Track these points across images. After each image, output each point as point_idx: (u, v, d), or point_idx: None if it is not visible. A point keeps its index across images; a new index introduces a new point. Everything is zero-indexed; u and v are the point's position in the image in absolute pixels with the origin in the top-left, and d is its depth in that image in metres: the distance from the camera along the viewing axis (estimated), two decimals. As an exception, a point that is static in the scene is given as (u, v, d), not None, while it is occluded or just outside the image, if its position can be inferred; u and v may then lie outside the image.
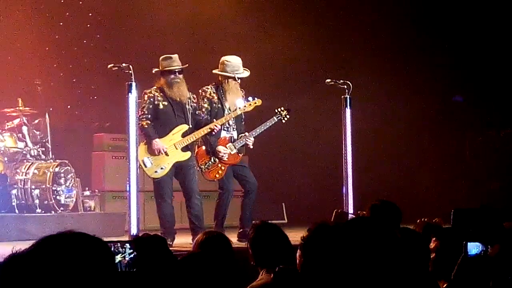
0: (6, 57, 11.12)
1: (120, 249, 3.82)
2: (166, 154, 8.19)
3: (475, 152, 13.62)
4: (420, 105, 13.36)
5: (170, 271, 3.25)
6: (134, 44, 11.81)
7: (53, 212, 9.58)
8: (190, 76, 8.56)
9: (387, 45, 13.20)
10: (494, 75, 13.19)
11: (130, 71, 7.42)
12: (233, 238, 8.37)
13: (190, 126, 8.35)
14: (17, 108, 9.91)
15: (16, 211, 9.43)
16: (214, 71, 8.64)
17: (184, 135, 8.32)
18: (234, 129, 8.65)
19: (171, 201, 8.32)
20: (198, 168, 8.47)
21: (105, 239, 2.54)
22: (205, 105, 8.53)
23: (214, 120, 8.42)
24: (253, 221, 5.13)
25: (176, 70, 8.31)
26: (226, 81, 8.56)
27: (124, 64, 7.48)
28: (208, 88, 8.58)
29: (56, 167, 9.68)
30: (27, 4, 11.44)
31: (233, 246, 4.24)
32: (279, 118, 8.74)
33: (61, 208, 9.66)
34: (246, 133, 8.65)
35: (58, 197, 9.65)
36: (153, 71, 8.40)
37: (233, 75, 8.54)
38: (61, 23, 11.86)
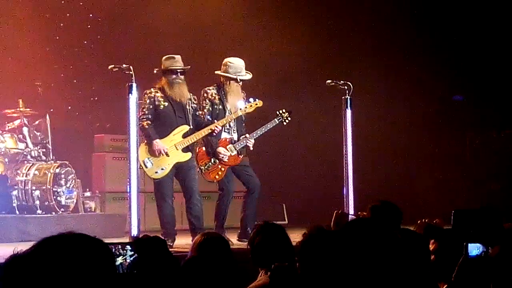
0: (7, 58, 11.13)
1: (122, 251, 3.83)
2: (167, 154, 8.19)
3: (475, 153, 13.61)
4: (421, 105, 13.36)
5: (171, 275, 3.26)
6: (135, 45, 11.82)
7: (53, 213, 9.58)
8: (190, 77, 8.56)
9: (387, 46, 13.20)
10: (494, 75, 13.19)
11: (131, 72, 7.42)
12: (234, 239, 8.39)
13: (191, 127, 8.35)
14: (18, 109, 9.91)
15: (17, 212, 9.43)
16: (216, 72, 8.64)
17: (184, 135, 8.32)
18: (235, 131, 8.65)
19: (172, 202, 8.31)
20: (198, 169, 8.47)
21: (106, 240, 2.54)
22: (207, 106, 8.53)
23: (215, 121, 8.42)
24: (256, 222, 5.14)
25: (178, 70, 8.31)
26: (228, 82, 8.56)
27: (124, 65, 7.48)
28: (210, 89, 8.58)
29: (57, 168, 9.69)
30: (27, 5, 11.44)
31: (233, 247, 4.24)
32: (280, 120, 8.75)
33: (62, 209, 9.66)
34: (247, 135, 8.66)
35: (58, 198, 9.65)
36: (155, 71, 8.41)
37: (235, 77, 8.54)
38: (61, 24, 11.87)
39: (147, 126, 8.17)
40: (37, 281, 2.28)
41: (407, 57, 13.24)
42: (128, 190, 7.41)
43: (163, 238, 4.57)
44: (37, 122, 10.21)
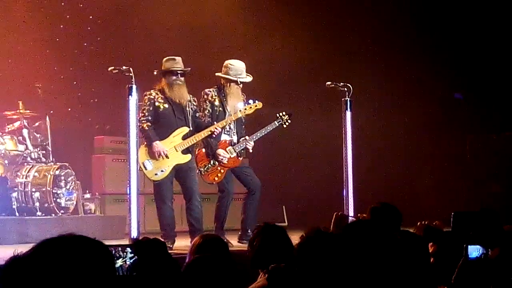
0: (7, 59, 11.13)
1: (121, 253, 3.82)
2: (167, 156, 8.19)
3: (475, 155, 13.60)
4: (421, 107, 13.35)
5: (171, 277, 3.26)
6: (135, 47, 11.82)
7: (53, 215, 9.57)
8: (189, 79, 8.56)
9: (387, 47, 13.20)
10: (494, 77, 13.19)
11: (131, 74, 7.42)
12: (234, 240, 8.39)
13: (191, 128, 8.35)
14: (18, 111, 9.91)
15: (17, 214, 9.43)
16: (217, 74, 8.65)
17: (184, 137, 8.32)
18: (235, 133, 8.66)
19: (172, 204, 8.31)
20: (197, 171, 8.47)
21: (106, 242, 2.54)
22: (207, 108, 8.54)
23: (215, 123, 8.43)
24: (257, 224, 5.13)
25: (178, 71, 8.31)
26: (229, 84, 8.57)
27: (124, 67, 7.48)
28: (210, 91, 8.59)
29: (57, 170, 9.68)
30: (27, 6, 11.44)
31: (233, 249, 4.24)
32: (280, 122, 8.75)
33: (62, 211, 9.66)
34: (247, 137, 8.66)
35: (58, 200, 9.64)
36: (154, 73, 8.41)
37: (235, 79, 8.55)
38: (61, 26, 11.87)
39: (147, 128, 8.17)
40: (37, 283, 2.28)
41: (407, 59, 13.24)
42: (128, 192, 7.41)
43: (162, 240, 4.57)
44: (37, 124, 10.21)
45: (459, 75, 13.43)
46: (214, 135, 8.38)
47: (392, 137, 13.05)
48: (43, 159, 10.00)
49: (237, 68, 8.58)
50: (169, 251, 4.34)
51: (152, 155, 8.17)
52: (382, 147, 13.05)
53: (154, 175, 8.22)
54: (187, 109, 8.36)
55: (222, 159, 8.49)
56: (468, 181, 13.32)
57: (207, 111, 8.53)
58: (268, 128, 8.70)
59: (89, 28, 12.08)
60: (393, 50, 13.20)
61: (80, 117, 12.07)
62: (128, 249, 3.86)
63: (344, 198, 8.66)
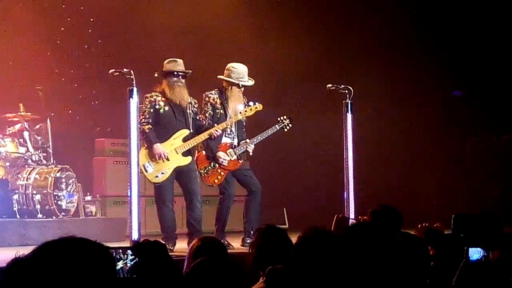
0: (8, 62, 11.13)
1: (122, 256, 3.82)
2: (167, 159, 8.19)
3: (475, 157, 13.61)
4: (421, 110, 13.36)
5: (172, 279, 3.26)
6: (136, 49, 11.83)
7: (54, 217, 9.57)
8: (190, 81, 8.56)
9: (388, 49, 13.21)
10: (495, 79, 13.20)
11: (132, 76, 7.42)
12: (235, 243, 8.39)
13: (191, 130, 8.36)
14: (19, 113, 9.91)
15: (17, 216, 9.43)
16: (219, 77, 8.65)
17: (185, 139, 8.32)
18: (236, 136, 8.66)
19: (172, 206, 8.32)
20: (197, 173, 8.47)
21: (107, 245, 2.54)
22: (208, 110, 8.54)
23: (216, 125, 8.43)
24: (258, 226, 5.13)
25: (180, 73, 8.32)
26: (230, 87, 8.57)
27: (125, 69, 7.47)
28: (211, 94, 8.59)
29: (58, 172, 9.69)
30: (28, 9, 11.45)
31: (234, 251, 4.24)
32: (281, 126, 8.76)
33: (62, 213, 9.66)
34: (247, 140, 8.67)
35: (59, 202, 9.65)
36: (155, 75, 8.42)
37: (237, 82, 8.55)
38: (62, 28, 11.88)
39: (147, 130, 8.18)
40: (39, 285, 2.29)
41: (407, 60, 13.24)
42: (129, 194, 7.41)
43: (163, 242, 4.57)
44: (38, 126, 10.21)
45: (460, 77, 13.44)
46: (213, 137, 8.38)
47: (392, 140, 13.06)
48: (44, 162, 10.00)
49: (239, 71, 8.58)
50: (170, 253, 4.34)
51: (153, 157, 8.18)
52: (382, 149, 13.06)
53: (155, 178, 8.23)
54: (188, 111, 8.36)
55: (222, 161, 8.50)
56: (468, 183, 13.33)
57: (208, 113, 8.54)
58: (269, 131, 8.71)
59: (90, 31, 12.09)
60: (394, 52, 13.21)
61: (81, 119, 12.07)
62: (129, 251, 3.86)
63: (345, 200, 8.66)
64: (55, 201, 9.58)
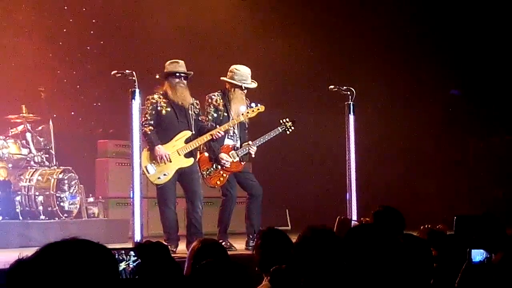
0: (10, 63, 11.14)
1: (124, 257, 3.83)
2: (169, 160, 8.20)
3: (478, 159, 13.61)
4: (424, 111, 13.36)
5: (174, 280, 3.26)
6: (138, 50, 11.84)
7: (56, 218, 9.58)
8: (191, 82, 8.56)
9: (389, 51, 13.21)
10: (497, 81, 13.19)
11: (134, 78, 7.42)
12: (237, 244, 8.40)
13: (193, 132, 8.36)
14: (21, 114, 9.92)
15: (20, 217, 9.43)
16: (222, 78, 8.65)
17: (187, 141, 8.32)
18: (238, 138, 8.66)
19: (175, 208, 8.31)
20: (199, 174, 8.47)
21: (109, 246, 2.54)
22: (211, 112, 8.54)
23: (218, 127, 8.43)
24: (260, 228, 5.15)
25: (182, 74, 8.32)
26: (233, 89, 8.57)
27: (127, 71, 7.48)
28: (214, 95, 8.59)
29: (60, 173, 9.69)
30: (30, 11, 11.47)
31: (237, 252, 4.24)
32: (283, 129, 8.75)
33: (65, 215, 9.66)
34: (250, 142, 8.67)
35: (62, 204, 9.65)
36: (157, 76, 8.42)
37: (240, 84, 8.55)
38: (64, 30, 11.89)
39: (149, 132, 8.18)
40: (41, 287, 2.29)
41: (409, 62, 13.24)
42: (131, 196, 7.41)
43: (166, 243, 4.57)
44: (40, 128, 10.22)
45: (462, 79, 13.43)
46: (214, 138, 8.37)
47: (395, 141, 13.05)
48: (47, 163, 10.00)
49: (242, 73, 8.58)
50: (172, 255, 4.34)
51: (155, 159, 8.18)
52: (385, 150, 13.05)
53: (157, 179, 8.23)
54: (190, 112, 8.36)
55: (224, 163, 8.49)
56: (471, 184, 13.32)
57: (211, 115, 8.54)
58: (271, 134, 8.71)
59: (92, 32, 12.10)
60: (395, 53, 13.21)
61: (84, 120, 12.09)
62: (132, 252, 3.86)
63: (347, 201, 8.66)
64: (57, 203, 9.59)
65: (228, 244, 8.24)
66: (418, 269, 3.83)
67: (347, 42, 13.26)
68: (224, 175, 8.54)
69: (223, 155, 8.50)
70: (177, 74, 8.31)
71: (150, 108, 8.22)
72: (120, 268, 3.80)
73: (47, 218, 9.51)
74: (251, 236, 8.38)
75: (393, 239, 3.66)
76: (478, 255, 4.38)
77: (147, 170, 8.14)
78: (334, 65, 12.64)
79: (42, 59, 11.38)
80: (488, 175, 13.24)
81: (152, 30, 12.04)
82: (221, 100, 8.57)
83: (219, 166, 8.51)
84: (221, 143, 8.53)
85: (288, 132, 8.80)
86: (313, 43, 12.72)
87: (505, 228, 5.12)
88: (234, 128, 8.61)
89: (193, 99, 8.43)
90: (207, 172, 8.52)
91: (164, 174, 8.21)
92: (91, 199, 10.50)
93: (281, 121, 8.79)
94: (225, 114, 8.55)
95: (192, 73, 8.44)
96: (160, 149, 8.17)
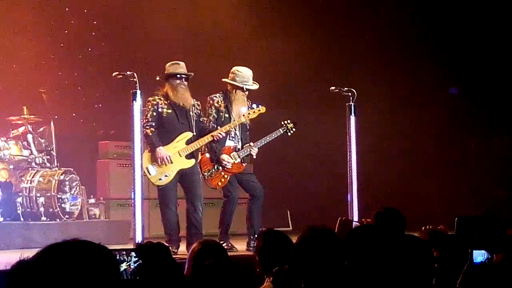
0: (11, 65, 11.15)
1: (126, 257, 3.83)
2: (171, 161, 8.20)
3: (479, 159, 13.60)
4: (424, 112, 13.36)
5: (175, 281, 3.26)
6: (139, 52, 11.84)
7: (58, 220, 9.58)
8: (192, 83, 8.56)
9: (391, 52, 13.20)
10: (499, 82, 13.19)
11: (135, 79, 7.43)
12: (238, 245, 8.40)
13: (194, 133, 8.36)
14: (22, 116, 9.93)
15: (21, 219, 9.44)
16: (223, 80, 8.66)
17: (188, 142, 8.32)
18: (240, 139, 8.67)
19: (176, 209, 8.32)
20: (201, 175, 8.48)
21: (110, 247, 2.55)
22: (212, 113, 8.55)
23: (219, 128, 8.43)
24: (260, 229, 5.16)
25: (182, 75, 8.33)
26: (234, 91, 8.58)
27: (129, 72, 7.49)
28: (216, 96, 8.60)
29: (61, 175, 9.70)
30: (32, 12, 11.47)
31: (238, 253, 4.24)
32: (285, 130, 8.76)
33: (66, 216, 9.67)
34: (251, 143, 8.67)
35: (63, 205, 9.66)
36: (157, 78, 8.42)
37: (241, 86, 8.55)
38: (66, 31, 11.90)
39: (150, 134, 8.18)
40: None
41: (410, 62, 13.24)
42: (132, 197, 7.42)
43: (167, 244, 4.57)
44: (41, 129, 10.22)
45: (464, 80, 13.43)
46: (215, 139, 8.37)
47: (396, 142, 13.05)
48: (48, 164, 10.01)
49: (244, 75, 8.59)
50: (174, 256, 4.34)
51: (156, 160, 8.18)
52: (386, 151, 13.05)
53: (158, 180, 8.23)
54: (191, 113, 8.36)
55: (226, 164, 8.50)
56: (471, 185, 13.31)
57: (212, 116, 8.54)
58: (273, 135, 8.71)
59: (93, 34, 12.11)
60: (397, 54, 13.20)
61: (85, 122, 12.09)
62: (133, 253, 3.87)
63: (348, 202, 8.66)
64: (58, 204, 9.59)
65: (229, 245, 8.24)
66: (419, 270, 3.83)
67: (348, 42, 13.26)
68: (226, 176, 8.54)
69: (224, 156, 8.51)
70: (178, 76, 8.31)
71: (151, 110, 8.23)
72: (121, 269, 3.81)
73: (48, 220, 9.52)
74: (252, 237, 8.38)
75: (394, 240, 3.66)
76: (479, 255, 4.38)
77: (148, 171, 8.15)
78: (335, 65, 12.64)
79: (43, 61, 11.39)
80: (488, 176, 13.24)
81: (153, 31, 12.05)
82: (223, 102, 8.57)
83: (221, 167, 8.51)
84: (222, 144, 8.53)
85: (289, 134, 8.81)
86: (314, 44, 12.72)
87: (506, 228, 5.12)
88: (235, 130, 8.61)
89: (194, 100, 8.44)
90: (209, 173, 8.52)
91: (165, 175, 8.21)
92: (92, 200, 10.51)
93: (282, 122, 8.79)
94: (227, 115, 8.56)
95: (193, 74, 8.45)
96: (161, 150, 8.18)
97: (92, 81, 11.83)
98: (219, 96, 8.60)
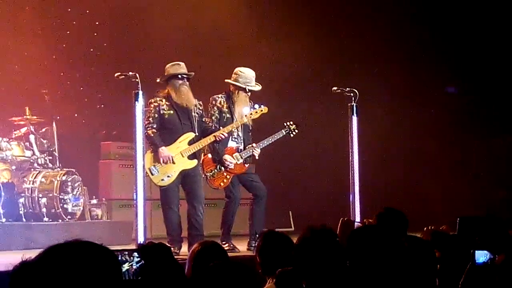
0: (14, 66, 11.16)
1: (128, 258, 3.83)
2: (173, 162, 8.20)
3: (481, 160, 13.59)
4: (427, 112, 13.35)
5: (176, 282, 3.26)
6: (141, 52, 11.85)
7: (60, 220, 9.59)
8: (193, 84, 8.57)
9: (393, 53, 13.20)
10: (501, 82, 13.18)
11: (137, 80, 7.43)
12: (240, 246, 8.40)
13: (197, 133, 8.36)
14: (24, 116, 9.94)
15: (24, 219, 9.45)
16: (226, 80, 8.66)
17: (190, 143, 8.32)
18: (242, 140, 8.67)
19: (178, 210, 8.32)
20: (203, 176, 8.48)
21: (112, 248, 2.55)
22: (215, 114, 8.55)
23: (221, 128, 8.43)
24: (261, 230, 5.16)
25: (184, 76, 8.33)
26: (237, 91, 8.58)
27: (131, 73, 7.48)
28: (218, 97, 8.60)
29: (63, 175, 9.71)
30: (34, 13, 11.48)
31: (240, 254, 4.24)
32: (287, 131, 8.76)
33: (68, 217, 9.67)
34: (254, 144, 8.67)
35: (65, 206, 9.66)
36: (157, 80, 8.42)
37: (244, 87, 8.56)
38: (68, 32, 11.90)
39: (152, 135, 8.18)
40: (44, 288, 2.30)
41: (413, 65, 13.23)
42: (135, 198, 7.42)
43: (169, 245, 4.58)
44: (43, 130, 10.24)
45: (466, 80, 13.42)
46: (218, 140, 8.37)
47: (398, 142, 13.04)
48: (50, 165, 10.02)
49: (246, 75, 8.59)
50: (176, 256, 4.34)
51: (158, 161, 8.18)
52: (388, 152, 13.04)
53: (161, 181, 8.23)
54: (193, 113, 8.37)
55: (228, 165, 8.50)
56: (474, 185, 13.30)
57: (215, 117, 8.54)
58: (275, 136, 8.72)
59: (95, 34, 12.11)
60: (399, 54, 13.20)
61: (87, 122, 12.09)
62: (135, 254, 3.87)
63: (351, 203, 8.66)
64: (61, 205, 9.60)
65: (232, 245, 8.24)
66: (421, 270, 3.83)
67: (349, 42, 13.25)
68: (228, 176, 8.54)
69: (227, 157, 8.51)
70: (180, 76, 8.32)
71: (152, 111, 8.23)
72: (123, 270, 3.81)
73: (50, 220, 9.53)
74: (252, 237, 8.39)
75: (396, 240, 3.66)
76: (481, 256, 4.38)
77: (150, 172, 8.15)
78: (336, 66, 12.64)
79: (45, 61, 11.40)
80: (491, 177, 13.23)
81: (155, 31, 12.05)
82: (225, 102, 8.58)
83: (223, 168, 8.52)
84: (225, 145, 8.53)
85: (292, 135, 8.81)
86: (315, 44, 12.71)
87: (508, 229, 5.12)
88: (238, 130, 8.62)
89: (196, 100, 8.44)
90: (211, 174, 8.52)
91: (168, 176, 8.22)
92: (94, 201, 10.52)
93: (285, 124, 8.79)
94: (229, 116, 8.56)
95: (193, 73, 8.45)
96: (164, 151, 8.18)
97: (94, 81, 11.84)
98: (221, 96, 8.61)
